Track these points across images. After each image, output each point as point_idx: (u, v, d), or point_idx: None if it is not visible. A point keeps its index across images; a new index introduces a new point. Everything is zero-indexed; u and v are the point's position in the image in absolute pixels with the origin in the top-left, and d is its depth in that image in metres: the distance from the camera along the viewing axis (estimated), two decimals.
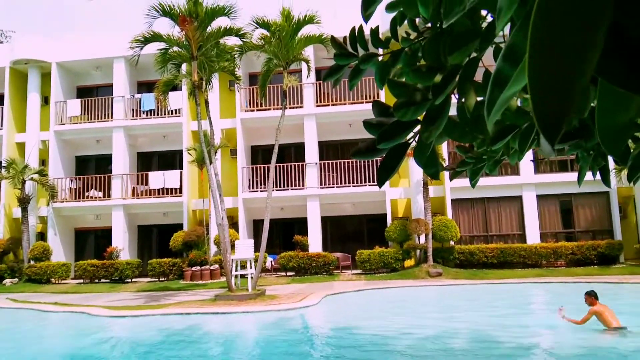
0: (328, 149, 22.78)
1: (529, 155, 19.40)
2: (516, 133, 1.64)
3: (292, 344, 8.70)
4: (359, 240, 21.89)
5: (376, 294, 14.47)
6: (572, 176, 18.57)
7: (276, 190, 20.57)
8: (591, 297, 8.15)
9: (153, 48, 15.47)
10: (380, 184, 1.45)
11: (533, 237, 19.54)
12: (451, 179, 2.15)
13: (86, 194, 22.37)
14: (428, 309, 12.71)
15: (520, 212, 20.05)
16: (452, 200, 20.18)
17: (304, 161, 21.22)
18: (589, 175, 1.85)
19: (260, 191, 20.65)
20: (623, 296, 10.89)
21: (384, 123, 1.42)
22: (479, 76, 1.27)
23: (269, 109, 21.59)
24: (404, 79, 1.62)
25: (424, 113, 1.29)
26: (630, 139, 1.70)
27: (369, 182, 20.55)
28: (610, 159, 1.71)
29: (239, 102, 21.68)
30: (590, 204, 19.85)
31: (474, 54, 1.24)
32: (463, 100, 1.27)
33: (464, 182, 17.49)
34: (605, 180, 1.56)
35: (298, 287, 15.75)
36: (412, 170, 20.32)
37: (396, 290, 15.12)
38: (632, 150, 1.55)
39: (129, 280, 20.16)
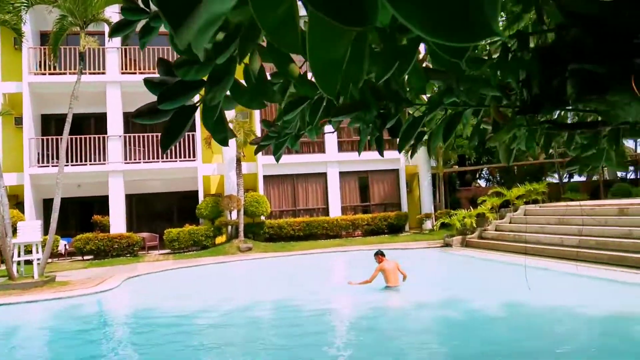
0: (135, 121, 21.19)
1: (333, 137, 20.89)
2: (307, 105, 1.69)
3: (84, 333, 7.92)
4: (169, 219, 21.10)
5: (184, 273, 14.14)
6: (370, 155, 20.33)
7: (72, 165, 18.53)
8: (378, 255, 9.44)
9: None
10: (164, 149, 1.36)
11: (335, 210, 21.24)
12: (255, 152, 2.14)
13: None
14: (234, 284, 12.88)
15: (325, 187, 21.56)
16: (264, 177, 20.71)
17: (106, 133, 19.45)
18: (387, 154, 2.01)
19: (52, 166, 18.29)
20: (406, 260, 12.49)
21: (167, 82, 1.32)
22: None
23: (64, 73, 19.15)
24: None
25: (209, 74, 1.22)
26: (408, 116, 1.88)
27: (180, 157, 19.82)
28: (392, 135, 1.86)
29: (26, 64, 18.75)
30: (383, 180, 22.32)
31: None
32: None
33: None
34: (380, 150, 1.69)
35: (96, 272, 14.49)
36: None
37: (205, 267, 15.00)
38: (403, 125, 1.71)
39: None
